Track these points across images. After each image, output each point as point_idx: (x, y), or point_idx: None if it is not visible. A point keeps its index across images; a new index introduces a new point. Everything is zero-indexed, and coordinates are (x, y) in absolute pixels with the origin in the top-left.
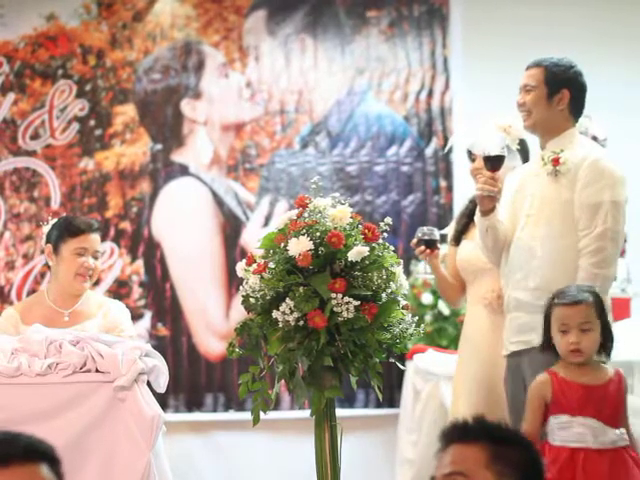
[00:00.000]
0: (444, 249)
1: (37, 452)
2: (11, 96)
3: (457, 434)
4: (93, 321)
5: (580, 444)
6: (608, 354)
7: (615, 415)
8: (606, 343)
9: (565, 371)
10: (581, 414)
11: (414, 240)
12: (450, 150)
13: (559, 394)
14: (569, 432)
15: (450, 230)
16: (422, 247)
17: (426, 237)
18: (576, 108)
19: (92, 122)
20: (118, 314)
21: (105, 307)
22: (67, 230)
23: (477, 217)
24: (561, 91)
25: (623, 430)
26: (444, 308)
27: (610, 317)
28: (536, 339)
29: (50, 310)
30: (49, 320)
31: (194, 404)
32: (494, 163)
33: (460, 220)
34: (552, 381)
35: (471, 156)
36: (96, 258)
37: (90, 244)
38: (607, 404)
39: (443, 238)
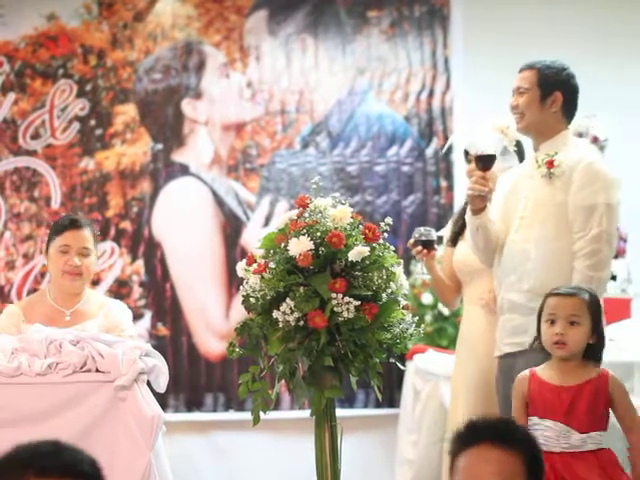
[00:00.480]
0: (440, 250)
1: (76, 470)
2: (12, 96)
3: (494, 434)
4: (94, 321)
5: (545, 448)
6: (597, 359)
7: (590, 418)
8: (596, 348)
9: (544, 371)
10: (549, 416)
11: (411, 240)
12: (449, 150)
13: (534, 394)
14: (537, 434)
15: (446, 231)
16: (419, 247)
17: (423, 237)
18: (569, 110)
19: (93, 122)
20: (119, 314)
21: (106, 307)
22: (53, 228)
23: (468, 216)
24: (554, 93)
25: (594, 434)
26: (444, 308)
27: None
28: (530, 341)
29: (52, 309)
30: (51, 319)
31: (194, 404)
32: (485, 162)
33: (457, 221)
34: (530, 379)
35: (467, 157)
36: (85, 255)
37: (74, 241)
38: (579, 406)
39: (439, 239)
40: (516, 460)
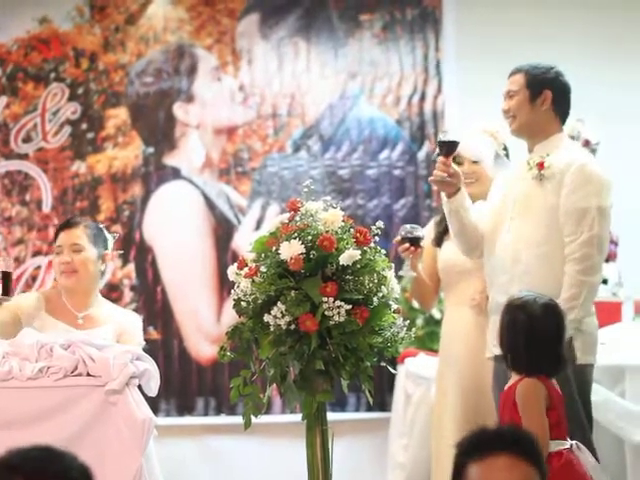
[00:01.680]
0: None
1: (66, 477)
2: (3, 99)
3: (515, 445)
4: (107, 327)
5: None
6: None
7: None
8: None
9: None
10: None
11: (397, 238)
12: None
13: None
14: None
15: (428, 231)
16: (406, 245)
17: (410, 235)
18: (561, 108)
19: (84, 125)
20: (132, 322)
21: (120, 315)
22: (54, 234)
23: (443, 199)
24: (543, 92)
25: None
26: (435, 312)
27: (590, 321)
28: None
29: (66, 309)
30: (66, 317)
31: (185, 408)
32: (448, 148)
33: (440, 222)
34: None
35: (456, 160)
36: (75, 251)
37: (63, 241)
38: (500, 416)
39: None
40: (535, 474)
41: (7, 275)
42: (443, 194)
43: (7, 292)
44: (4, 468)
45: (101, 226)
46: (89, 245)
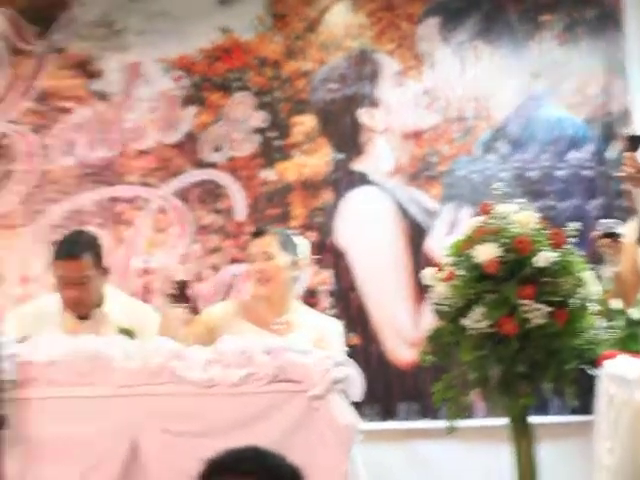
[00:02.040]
0: None
1: (277, 475)
2: (192, 109)
3: None
4: (303, 332)
5: None
6: None
7: None
8: None
9: None
10: None
11: (597, 233)
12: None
13: None
14: None
15: (630, 229)
16: (607, 240)
17: (610, 230)
18: None
19: (272, 133)
20: (330, 328)
21: (317, 321)
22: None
23: (638, 194)
24: None
25: None
26: (635, 313)
27: None
28: None
29: (263, 315)
30: (262, 324)
31: (387, 413)
32: (635, 143)
33: None
34: None
35: None
36: (268, 259)
37: (255, 249)
38: None
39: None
40: None
41: (184, 284)
42: (638, 190)
43: (187, 300)
44: (219, 468)
45: (290, 232)
46: (280, 252)
